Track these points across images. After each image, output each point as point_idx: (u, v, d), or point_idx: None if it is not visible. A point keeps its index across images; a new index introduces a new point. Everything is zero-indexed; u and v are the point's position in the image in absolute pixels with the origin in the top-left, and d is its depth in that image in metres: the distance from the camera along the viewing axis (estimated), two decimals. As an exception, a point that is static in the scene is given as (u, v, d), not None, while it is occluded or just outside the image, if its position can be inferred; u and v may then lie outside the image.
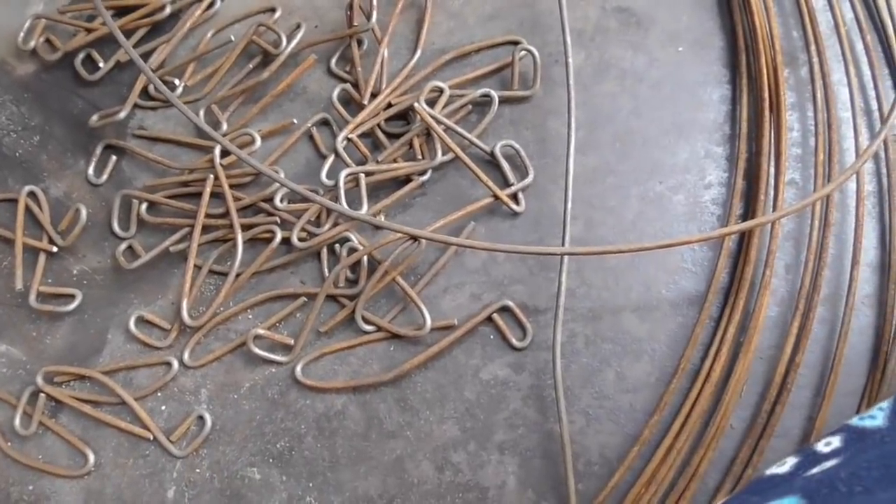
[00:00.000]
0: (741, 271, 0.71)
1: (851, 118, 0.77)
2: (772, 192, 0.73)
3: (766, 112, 0.75)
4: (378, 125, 0.80)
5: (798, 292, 0.71)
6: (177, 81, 0.84)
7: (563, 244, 0.71)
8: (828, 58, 0.79)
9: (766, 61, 0.77)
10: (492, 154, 0.78)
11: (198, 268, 0.77)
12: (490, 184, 0.76)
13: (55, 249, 0.79)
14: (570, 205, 0.72)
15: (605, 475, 0.68)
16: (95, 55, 0.86)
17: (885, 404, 0.54)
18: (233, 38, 0.85)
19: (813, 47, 0.79)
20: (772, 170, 0.74)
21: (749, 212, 0.74)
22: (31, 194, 0.81)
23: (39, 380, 0.74)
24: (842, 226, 0.74)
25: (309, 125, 0.81)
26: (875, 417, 0.53)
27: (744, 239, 0.73)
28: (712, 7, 0.84)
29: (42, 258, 0.79)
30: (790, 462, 0.52)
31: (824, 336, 0.70)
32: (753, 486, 0.53)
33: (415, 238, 0.73)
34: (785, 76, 0.78)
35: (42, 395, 0.74)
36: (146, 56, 0.84)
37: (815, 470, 0.50)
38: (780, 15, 0.82)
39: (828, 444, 0.52)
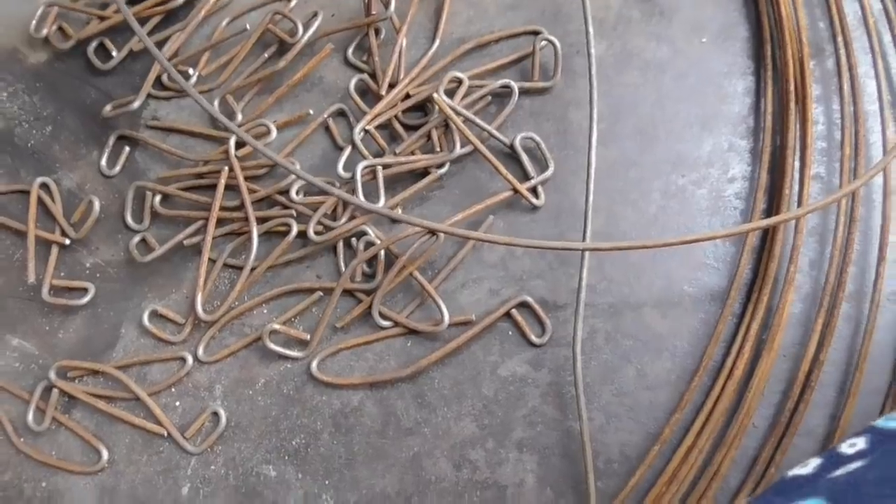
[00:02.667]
0: (765, 267, 0.70)
1: (879, 111, 0.75)
2: (796, 187, 0.72)
3: (792, 105, 0.74)
4: (395, 116, 0.78)
5: (823, 289, 0.69)
6: (191, 71, 0.83)
7: (584, 239, 0.70)
8: (855, 49, 0.77)
9: (791, 53, 0.75)
10: (511, 146, 0.77)
11: (212, 261, 0.76)
12: (509, 177, 0.74)
13: (68, 242, 0.78)
14: (591, 199, 0.71)
15: (624, 473, 0.67)
16: (108, 44, 0.85)
17: None
18: (248, 26, 0.83)
19: (840, 38, 0.77)
20: (797, 164, 0.73)
21: (773, 206, 0.73)
22: (44, 186, 0.80)
23: (52, 375, 0.73)
24: (867, 221, 0.72)
25: (325, 116, 0.80)
26: None
27: (767, 234, 0.71)
28: (736, -4, 0.82)
29: (55, 251, 0.78)
30: (813, 463, 0.51)
31: (849, 333, 0.69)
32: (777, 487, 0.52)
33: (433, 232, 0.72)
34: (811, 68, 0.76)
35: (55, 390, 0.73)
36: (160, 45, 0.83)
37: (839, 472, 0.49)
38: (806, 5, 0.80)
39: (852, 446, 0.51)
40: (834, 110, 0.77)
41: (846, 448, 0.51)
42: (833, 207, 0.72)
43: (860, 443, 0.51)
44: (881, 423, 0.53)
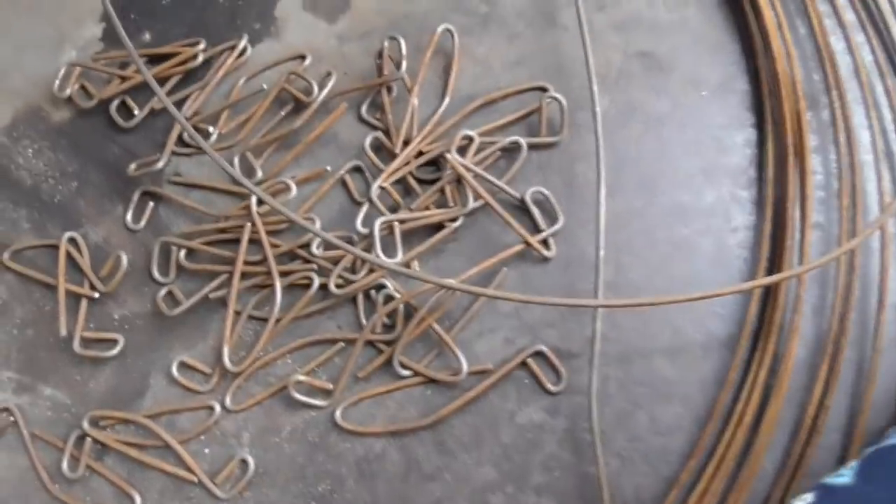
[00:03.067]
0: (770, 316, 0.73)
1: (874, 161, 0.79)
2: (798, 236, 0.75)
3: (791, 157, 0.77)
4: (410, 172, 0.82)
5: (826, 335, 0.73)
6: (211, 129, 0.86)
7: (595, 295, 0.73)
8: (849, 101, 0.81)
9: (788, 106, 0.79)
10: (522, 200, 0.80)
11: (237, 313, 0.79)
12: (521, 230, 0.78)
13: (97, 295, 0.80)
14: (602, 253, 0.74)
15: (640, 517, 0.70)
16: (130, 102, 0.88)
17: (853, 463, 0.60)
18: (265, 85, 0.86)
19: (834, 91, 0.81)
20: (797, 214, 0.76)
21: (776, 255, 0.76)
22: (72, 240, 0.82)
23: (85, 424, 0.76)
24: (867, 268, 0.76)
25: (342, 172, 0.83)
26: (843, 476, 0.59)
27: (771, 285, 0.74)
28: (734, 51, 0.85)
29: (84, 304, 0.80)
30: None
31: (852, 378, 0.72)
32: None
33: (448, 289, 0.75)
34: (807, 120, 0.80)
35: (88, 438, 0.76)
36: (180, 104, 0.86)
37: None
38: (800, 58, 0.83)
39: (803, 501, 0.58)
40: (831, 160, 0.80)
41: (798, 503, 0.58)
42: (833, 256, 0.75)
43: (809, 497, 0.58)
44: (828, 479, 0.59)
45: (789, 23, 0.84)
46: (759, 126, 0.82)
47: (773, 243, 0.77)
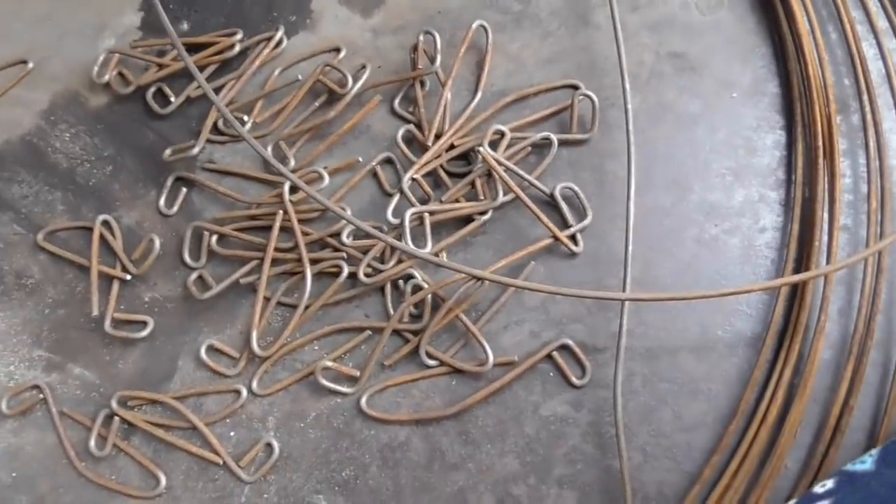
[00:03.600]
0: (796, 316, 0.73)
1: (903, 166, 0.79)
2: (825, 238, 0.76)
3: (820, 159, 0.77)
4: (441, 165, 0.83)
5: (852, 336, 0.73)
6: (245, 118, 0.87)
7: (623, 288, 0.74)
8: (879, 106, 0.81)
9: (819, 109, 0.79)
10: (551, 195, 0.80)
11: (266, 299, 0.80)
12: (550, 225, 0.78)
13: (128, 277, 0.82)
14: (630, 248, 0.74)
15: (662, 511, 0.70)
16: (166, 89, 0.89)
17: (874, 451, 0.62)
18: (300, 76, 0.88)
19: (865, 96, 0.81)
20: (825, 216, 0.76)
21: (803, 256, 0.76)
22: (105, 223, 0.84)
23: (114, 403, 0.77)
24: (894, 271, 0.76)
25: (374, 164, 0.84)
26: (865, 462, 0.61)
27: (798, 285, 0.75)
28: (765, 55, 0.86)
29: (116, 285, 0.82)
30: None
31: (877, 380, 0.72)
32: None
33: (478, 278, 0.76)
34: (837, 123, 0.80)
35: (116, 418, 0.77)
36: (215, 92, 0.87)
37: None
38: (831, 62, 0.84)
39: (823, 486, 0.60)
40: (860, 164, 0.80)
41: (818, 488, 0.60)
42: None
43: (829, 483, 0.59)
44: (849, 466, 0.60)
45: (821, 28, 0.85)
46: (789, 129, 0.83)
47: (800, 244, 0.77)
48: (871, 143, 0.80)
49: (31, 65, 0.92)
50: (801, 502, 0.59)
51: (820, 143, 0.78)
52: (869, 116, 0.81)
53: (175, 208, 0.85)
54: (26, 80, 0.91)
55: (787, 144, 0.83)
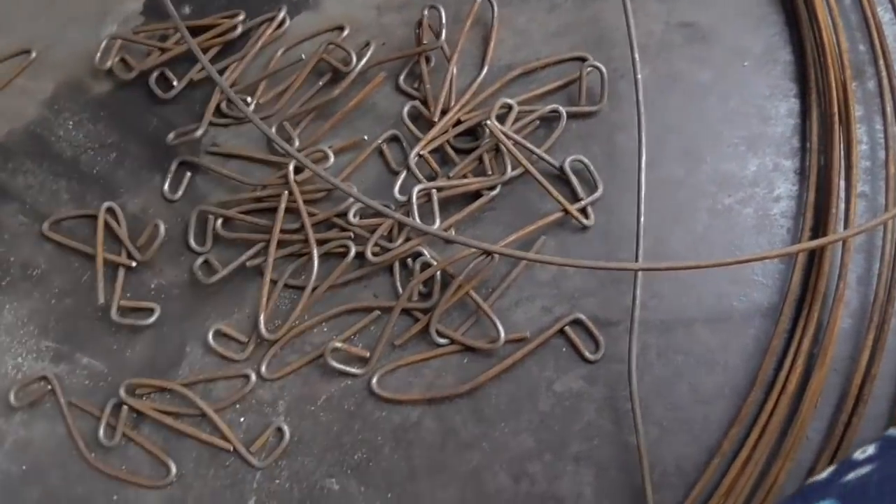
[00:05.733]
0: (814, 284, 0.71)
1: (921, 130, 0.77)
2: (843, 206, 0.74)
3: (836, 126, 0.76)
4: (447, 141, 0.81)
5: (872, 304, 0.71)
6: (249, 99, 0.86)
7: (636, 260, 0.72)
8: (895, 71, 0.79)
9: (834, 76, 0.77)
10: (561, 169, 0.79)
11: (273, 282, 0.79)
12: (560, 198, 0.77)
13: (134, 264, 0.81)
14: (642, 220, 0.73)
15: (680, 486, 0.69)
16: (169, 74, 0.88)
17: None
18: (303, 55, 0.87)
19: (881, 61, 0.79)
20: (842, 183, 0.74)
21: (820, 224, 0.74)
22: (110, 210, 0.83)
23: (122, 392, 0.76)
24: (914, 237, 0.74)
25: (379, 142, 0.83)
26: None
27: (815, 252, 0.73)
28: (777, 22, 0.84)
29: (121, 273, 0.81)
30: (829, 470, 0.57)
31: (899, 348, 0.71)
32: (796, 494, 0.58)
33: (488, 253, 0.74)
34: (853, 90, 0.78)
35: (125, 407, 0.76)
36: (218, 74, 0.86)
37: (850, 476, 0.54)
38: (846, 28, 0.82)
39: (863, 452, 0.56)
40: (877, 130, 0.78)
41: (858, 454, 0.56)
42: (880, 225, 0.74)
43: (870, 449, 0.56)
44: (892, 431, 0.58)
45: (835, -8, 0.83)
46: (803, 96, 0.81)
47: (816, 213, 0.75)
48: (889, 109, 0.78)
49: (34, 54, 0.91)
50: (840, 469, 0.56)
51: (835, 109, 0.77)
52: (885, 82, 0.79)
53: (179, 193, 0.84)
54: (29, 70, 0.91)
55: (801, 112, 0.81)
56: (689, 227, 0.77)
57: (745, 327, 0.73)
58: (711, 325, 0.73)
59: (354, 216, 0.78)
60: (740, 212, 0.77)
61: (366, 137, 0.83)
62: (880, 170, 0.77)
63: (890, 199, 0.74)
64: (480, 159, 0.80)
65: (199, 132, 0.83)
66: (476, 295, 0.75)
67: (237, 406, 0.76)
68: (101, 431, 0.75)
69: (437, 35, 0.84)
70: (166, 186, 0.84)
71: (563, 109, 0.80)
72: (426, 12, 0.85)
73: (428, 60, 0.85)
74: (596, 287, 0.76)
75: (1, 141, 0.88)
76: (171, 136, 0.84)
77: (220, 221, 0.81)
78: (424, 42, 0.85)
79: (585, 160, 0.79)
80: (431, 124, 0.82)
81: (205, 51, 0.87)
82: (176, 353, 0.78)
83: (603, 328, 0.74)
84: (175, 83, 0.88)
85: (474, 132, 0.82)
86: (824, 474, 0.57)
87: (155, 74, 0.88)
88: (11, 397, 0.77)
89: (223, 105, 0.86)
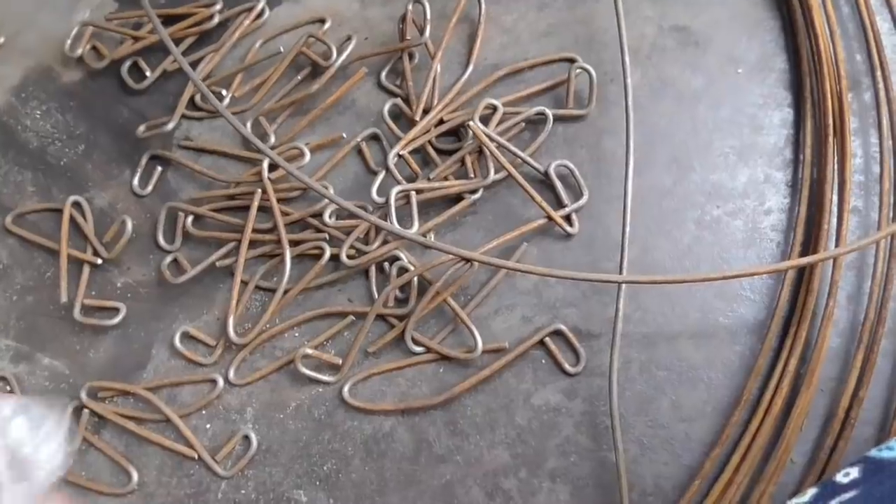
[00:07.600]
0: (803, 301, 0.69)
1: (917, 145, 0.75)
2: (834, 221, 0.72)
3: (831, 138, 0.73)
4: (429, 141, 0.79)
5: (862, 324, 0.69)
6: (224, 92, 0.83)
7: (620, 271, 0.70)
8: (893, 83, 0.77)
9: (830, 86, 0.75)
10: (545, 174, 0.76)
11: (244, 283, 0.76)
12: (544, 204, 0.74)
13: (100, 262, 0.78)
14: (627, 230, 0.71)
15: (660, 507, 0.67)
16: (142, 64, 0.85)
17: None
18: (282, 48, 0.84)
19: (878, 72, 0.77)
20: (835, 197, 0.72)
21: (811, 239, 0.72)
22: (76, 204, 0.80)
23: (83, 395, 0.73)
24: (906, 256, 0.72)
25: (358, 140, 0.80)
26: (893, 449, 0.55)
27: (805, 268, 0.71)
28: (773, 28, 0.82)
29: (86, 270, 0.78)
30: (811, 493, 0.54)
31: (888, 370, 0.68)
32: None
33: (467, 260, 0.72)
34: (849, 101, 0.76)
35: (86, 410, 0.73)
36: (193, 65, 0.83)
37: (833, 501, 0.52)
38: (843, 37, 0.80)
39: (846, 475, 0.54)
40: (871, 143, 0.76)
41: (841, 477, 0.54)
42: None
43: (854, 472, 0.54)
44: (874, 452, 0.55)
45: (833, 0, 0.81)
46: (797, 106, 0.79)
47: (808, 227, 0.73)
48: (885, 122, 0.75)
49: (2, 39, 0.88)
50: (823, 492, 0.54)
51: (830, 121, 0.74)
52: (882, 94, 0.77)
53: (150, 188, 0.81)
54: (-2, 55, 0.88)
55: (794, 122, 0.78)
56: (676, 238, 0.75)
57: (731, 344, 0.71)
58: (696, 341, 0.71)
59: (330, 217, 0.76)
60: (729, 224, 0.75)
61: (344, 135, 0.81)
62: (874, 185, 0.75)
63: (883, 215, 0.72)
64: (462, 161, 0.78)
65: (171, 125, 0.80)
66: (454, 302, 0.73)
67: (203, 412, 0.73)
68: (60, 435, 0.72)
69: (422, 31, 0.82)
70: (136, 181, 0.81)
71: (549, 112, 0.78)
72: (410, 7, 0.82)
73: (411, 57, 0.83)
74: (578, 297, 0.73)
75: (-36, 129, 0.85)
76: (141, 128, 0.81)
77: (190, 219, 0.78)
78: (408, 38, 0.82)
79: (571, 165, 0.77)
80: (413, 123, 0.79)
81: (179, 41, 0.85)
82: (141, 356, 0.76)
83: (584, 340, 0.72)
84: (148, 73, 0.85)
85: (457, 133, 0.80)
86: (805, 497, 0.54)
87: (127, 64, 0.85)
88: (-32, 397, 0.74)
89: (197, 98, 0.83)
